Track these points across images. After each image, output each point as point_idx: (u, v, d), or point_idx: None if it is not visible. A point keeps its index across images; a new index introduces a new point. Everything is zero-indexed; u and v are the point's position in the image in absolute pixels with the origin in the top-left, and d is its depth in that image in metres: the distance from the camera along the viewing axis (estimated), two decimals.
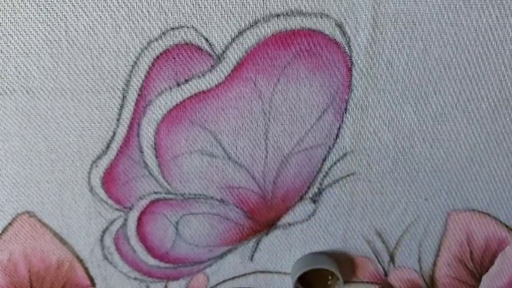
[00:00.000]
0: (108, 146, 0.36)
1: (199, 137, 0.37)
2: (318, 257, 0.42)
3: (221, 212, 0.40)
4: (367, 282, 0.45)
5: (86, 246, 0.40)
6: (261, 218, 0.41)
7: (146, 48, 0.33)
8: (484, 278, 0.44)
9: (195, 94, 0.35)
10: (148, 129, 0.36)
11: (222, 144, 0.37)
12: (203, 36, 0.33)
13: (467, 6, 0.33)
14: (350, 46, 0.34)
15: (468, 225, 0.42)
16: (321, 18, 0.33)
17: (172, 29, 0.33)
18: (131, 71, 0.34)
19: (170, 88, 0.35)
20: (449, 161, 0.39)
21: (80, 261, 0.41)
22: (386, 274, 0.44)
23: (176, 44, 0.33)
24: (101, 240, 0.40)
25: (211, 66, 0.34)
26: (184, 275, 0.43)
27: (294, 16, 0.33)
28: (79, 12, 0.32)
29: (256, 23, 0.33)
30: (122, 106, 0.35)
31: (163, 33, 0.33)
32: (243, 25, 0.33)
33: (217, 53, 0.34)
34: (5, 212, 0.38)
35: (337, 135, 0.38)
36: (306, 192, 0.40)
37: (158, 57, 0.34)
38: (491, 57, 0.35)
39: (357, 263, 0.44)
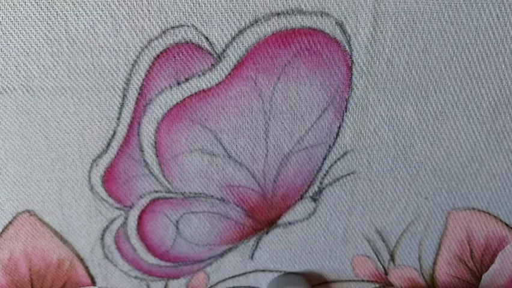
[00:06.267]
0: (108, 145, 0.36)
1: (199, 136, 0.37)
2: (291, 277, 0.42)
3: (221, 211, 0.40)
4: (367, 281, 0.45)
5: (86, 245, 0.40)
6: (262, 217, 0.41)
7: (146, 47, 0.33)
8: (484, 276, 0.44)
9: (195, 93, 0.35)
10: (148, 128, 0.36)
11: (222, 143, 0.37)
12: (203, 35, 0.33)
13: (468, 4, 0.33)
14: (350, 45, 0.34)
15: (468, 224, 0.42)
16: (322, 17, 0.33)
17: (173, 27, 0.33)
18: (131, 70, 0.34)
19: (171, 87, 0.35)
20: (449, 159, 0.39)
21: (81, 260, 0.41)
22: (386, 273, 0.44)
23: (177, 43, 0.33)
24: (102, 239, 0.40)
25: (212, 65, 0.34)
26: (184, 274, 0.43)
27: (295, 15, 0.33)
28: (79, 11, 0.32)
29: (257, 22, 0.33)
30: (122, 105, 0.35)
31: (163, 32, 0.33)
32: (243, 24, 0.33)
33: (217, 51, 0.34)
34: (5, 210, 0.38)
35: (337, 134, 0.38)
36: (307, 191, 0.40)
37: (158, 56, 0.34)
38: (492, 56, 0.35)
39: (357, 262, 0.44)
